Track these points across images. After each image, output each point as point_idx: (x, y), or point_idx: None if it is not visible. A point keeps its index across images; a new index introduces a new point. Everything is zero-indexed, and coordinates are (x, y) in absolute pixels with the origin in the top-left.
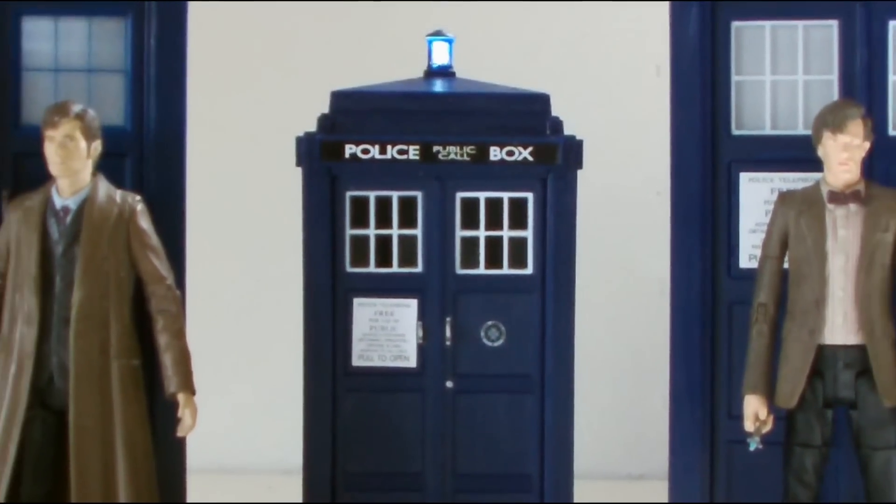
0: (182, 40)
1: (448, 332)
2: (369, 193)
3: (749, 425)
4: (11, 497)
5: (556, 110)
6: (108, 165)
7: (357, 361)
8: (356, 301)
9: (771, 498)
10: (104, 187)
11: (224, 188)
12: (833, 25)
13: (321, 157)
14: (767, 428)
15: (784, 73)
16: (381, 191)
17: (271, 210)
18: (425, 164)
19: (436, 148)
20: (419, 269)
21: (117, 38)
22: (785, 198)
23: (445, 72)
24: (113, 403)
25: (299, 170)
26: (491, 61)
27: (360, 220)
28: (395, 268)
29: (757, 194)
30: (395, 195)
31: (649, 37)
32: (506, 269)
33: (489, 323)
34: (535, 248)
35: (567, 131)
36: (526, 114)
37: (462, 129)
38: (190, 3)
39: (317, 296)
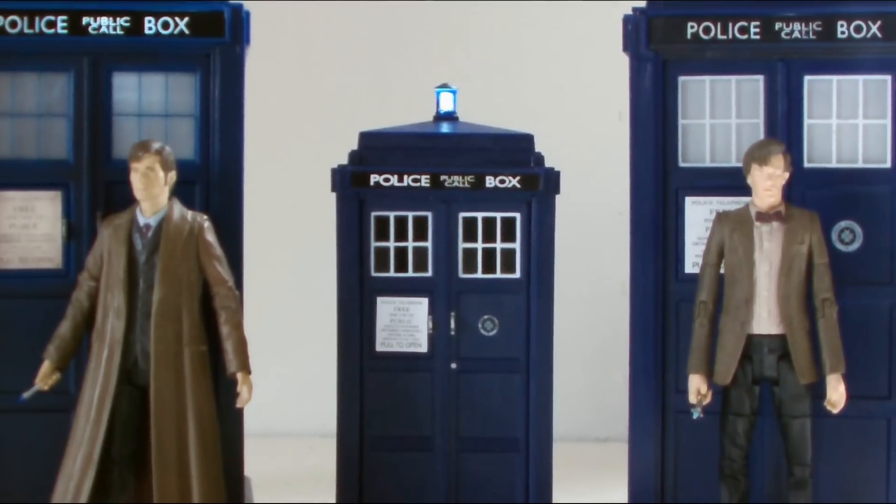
0: (240, 91)
1: (452, 324)
2: (390, 213)
3: (692, 398)
4: (104, 455)
5: (539, 147)
6: (181, 191)
7: (380, 347)
8: (379, 299)
9: (710, 455)
10: (178, 208)
11: (273, 209)
12: (760, 80)
13: (351, 184)
14: (707, 400)
15: (720, 117)
16: (399, 211)
17: (311, 227)
18: (434, 191)
19: (443, 177)
20: (429, 273)
21: (189, 90)
22: (721, 217)
23: (451, 116)
24: (185, 381)
25: (334, 195)
26: (487, 108)
27: (382, 234)
28: (410, 273)
29: (699, 214)
30: (410, 215)
31: (613, 89)
32: (499, 274)
33: (485, 317)
34: (522, 257)
35: (547, 164)
36: (515, 150)
37: (464, 162)
38: (247, 62)
39: (348, 295)
